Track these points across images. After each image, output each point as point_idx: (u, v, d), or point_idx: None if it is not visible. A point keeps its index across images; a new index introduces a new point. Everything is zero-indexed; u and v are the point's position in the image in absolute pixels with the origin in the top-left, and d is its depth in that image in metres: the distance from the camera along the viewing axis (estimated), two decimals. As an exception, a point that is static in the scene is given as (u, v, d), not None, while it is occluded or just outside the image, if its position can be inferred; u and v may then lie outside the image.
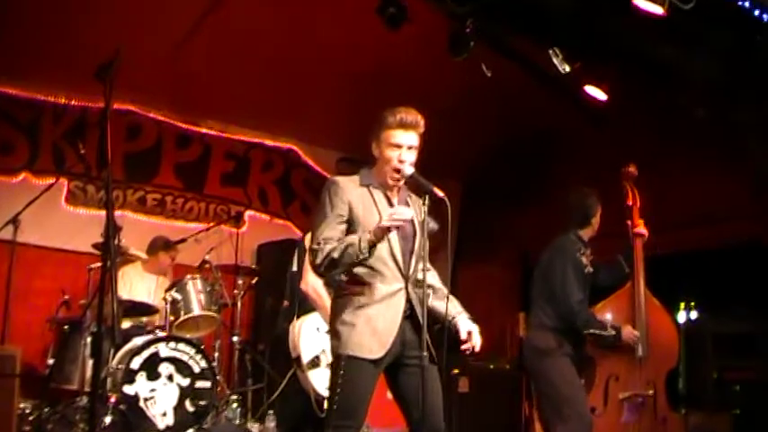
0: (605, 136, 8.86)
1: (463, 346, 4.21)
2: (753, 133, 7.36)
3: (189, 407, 6.50)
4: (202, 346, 6.74)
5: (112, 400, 6.20)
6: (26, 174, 8.20)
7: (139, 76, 7.30)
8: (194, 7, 7.70)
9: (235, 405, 7.17)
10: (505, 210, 10.15)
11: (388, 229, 3.95)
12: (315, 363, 5.59)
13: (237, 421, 7.09)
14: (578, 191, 6.16)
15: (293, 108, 9.14)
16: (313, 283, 5.49)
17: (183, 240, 7.89)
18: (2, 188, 7.97)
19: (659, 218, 6.49)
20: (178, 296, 7.06)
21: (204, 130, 9.39)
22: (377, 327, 4.01)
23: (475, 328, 4.24)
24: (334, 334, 4.11)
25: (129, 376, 6.29)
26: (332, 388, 4.04)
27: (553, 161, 9.73)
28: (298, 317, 5.71)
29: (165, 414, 6.39)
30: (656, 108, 8.07)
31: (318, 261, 4.02)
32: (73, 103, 8.44)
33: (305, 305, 5.69)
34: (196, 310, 7.12)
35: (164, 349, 6.48)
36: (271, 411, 6.97)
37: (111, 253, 4.47)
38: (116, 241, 4.88)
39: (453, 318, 4.24)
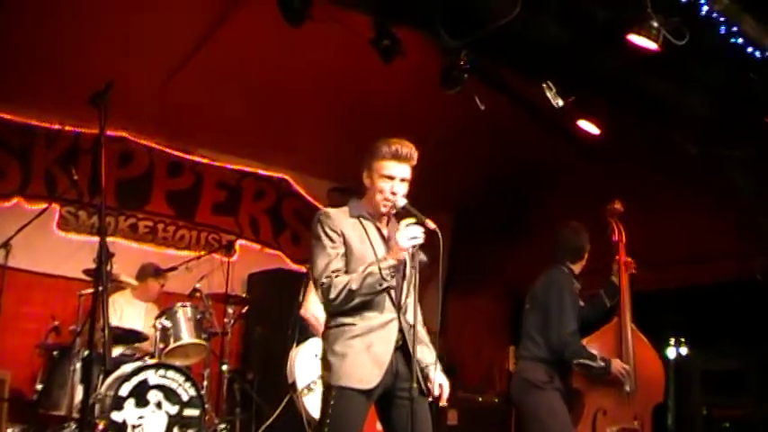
0: (597, 171, 8.89)
1: (430, 398, 4.18)
2: (740, 171, 7.40)
3: (177, 435, 6.47)
4: (191, 375, 6.71)
5: (100, 426, 6.13)
6: (18, 198, 8.22)
7: (132, 104, 7.32)
8: (187, 37, 7.76)
9: (223, 434, 7.14)
10: (496, 243, 10.17)
11: (405, 251, 3.93)
12: (310, 388, 5.62)
13: (225, 450, 7.05)
14: (570, 225, 6.17)
15: (285, 138, 9.20)
16: (313, 311, 5.54)
17: (174, 268, 7.88)
18: (-6, 212, 7.97)
19: (649, 253, 6.50)
20: (168, 323, 7.02)
21: (197, 159, 9.44)
22: (369, 357, 3.98)
23: (446, 383, 4.24)
24: (325, 365, 4.07)
25: (118, 403, 6.22)
26: (322, 419, 4.01)
27: (544, 195, 9.78)
28: (297, 344, 5.74)
29: (153, 441, 6.36)
30: (648, 143, 8.09)
31: (333, 295, 3.95)
32: (66, 128, 8.47)
33: (306, 332, 5.74)
34: (186, 338, 7.08)
35: (153, 377, 6.43)
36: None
37: (103, 279, 4.46)
38: (108, 268, 4.86)
39: (427, 366, 4.22)
